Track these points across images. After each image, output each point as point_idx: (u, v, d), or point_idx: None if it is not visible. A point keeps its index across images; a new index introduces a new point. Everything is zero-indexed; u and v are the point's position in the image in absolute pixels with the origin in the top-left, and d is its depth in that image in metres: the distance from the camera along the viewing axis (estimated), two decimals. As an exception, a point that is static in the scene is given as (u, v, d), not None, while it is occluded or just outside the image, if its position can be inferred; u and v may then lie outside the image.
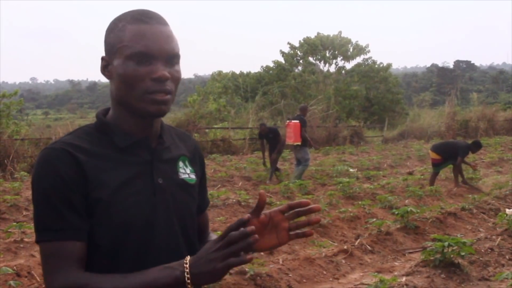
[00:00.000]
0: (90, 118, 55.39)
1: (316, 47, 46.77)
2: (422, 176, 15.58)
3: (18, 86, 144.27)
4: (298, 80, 43.15)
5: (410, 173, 17.27)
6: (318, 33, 48.74)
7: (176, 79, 1.80)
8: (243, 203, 11.52)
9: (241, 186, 14.77)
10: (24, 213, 10.66)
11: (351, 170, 17.45)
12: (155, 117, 1.81)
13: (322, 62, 47.68)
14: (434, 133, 31.95)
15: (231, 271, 6.36)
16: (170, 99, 1.79)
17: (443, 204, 11.61)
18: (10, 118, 22.47)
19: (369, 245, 8.59)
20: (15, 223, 8.97)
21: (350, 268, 7.76)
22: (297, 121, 14.93)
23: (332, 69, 47.90)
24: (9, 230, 8.65)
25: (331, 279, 7.30)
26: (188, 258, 1.67)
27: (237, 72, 48.56)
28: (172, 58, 1.79)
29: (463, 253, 6.87)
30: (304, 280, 7.08)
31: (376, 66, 46.17)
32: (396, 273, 7.15)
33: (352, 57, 47.12)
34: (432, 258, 7.01)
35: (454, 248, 6.89)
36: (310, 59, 47.60)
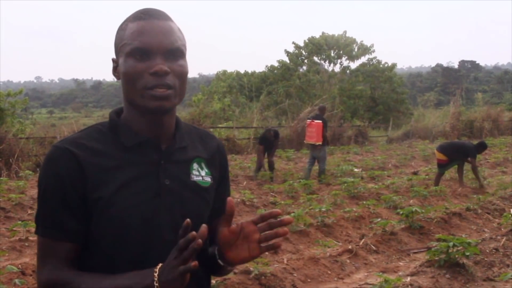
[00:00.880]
0: (95, 117, 55.56)
1: (321, 46, 46.71)
2: (426, 176, 15.56)
3: (23, 85, 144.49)
4: (302, 80, 43.11)
5: (415, 173, 17.25)
6: (323, 33, 48.67)
7: (179, 73, 1.78)
8: (247, 203, 11.52)
9: (246, 185, 14.76)
10: (29, 212, 10.67)
11: (355, 170, 17.45)
12: (157, 113, 1.78)
13: (327, 61, 47.63)
14: (439, 133, 31.91)
15: (235, 270, 6.36)
16: (171, 94, 1.75)
17: (448, 204, 11.59)
18: (15, 117, 22.56)
19: (373, 245, 8.58)
20: (20, 222, 8.98)
21: (355, 268, 7.75)
22: (320, 121, 15.24)
23: (337, 68, 47.87)
24: (14, 229, 8.67)
25: (335, 279, 7.29)
26: (159, 266, 1.67)
27: (242, 71, 48.61)
28: (172, 52, 1.77)
29: (468, 254, 6.85)
30: (309, 280, 7.08)
31: (381, 66, 46.07)
32: (400, 273, 7.14)
33: (357, 57, 47.03)
34: (436, 258, 7.00)
35: (459, 248, 6.87)
36: (315, 58, 47.52)
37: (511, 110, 38.30)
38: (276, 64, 46.56)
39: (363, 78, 45.31)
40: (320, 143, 15.27)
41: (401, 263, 8.10)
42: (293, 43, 47.48)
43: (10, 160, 17.46)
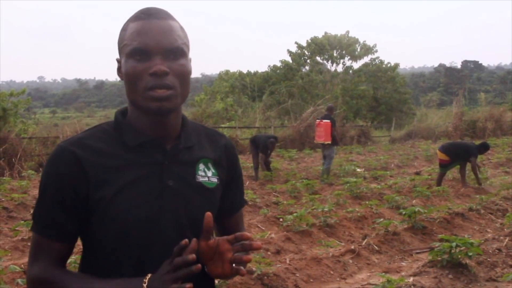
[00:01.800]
0: (98, 117, 55.54)
1: (323, 46, 46.72)
2: (429, 176, 15.54)
3: (26, 84, 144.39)
4: (305, 80, 43.12)
5: (418, 173, 17.24)
6: (325, 33, 48.71)
7: (179, 73, 1.76)
8: (250, 203, 11.51)
9: (248, 185, 14.75)
10: (31, 212, 10.65)
11: (358, 170, 17.46)
12: (157, 114, 1.77)
13: (330, 61, 47.64)
14: (442, 134, 31.87)
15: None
16: (171, 94, 1.74)
17: (450, 204, 11.58)
18: (18, 117, 22.60)
19: (376, 245, 8.57)
20: (22, 222, 9.00)
21: (357, 268, 7.74)
22: (328, 120, 15.53)
23: (340, 68, 47.88)
24: (16, 229, 8.68)
25: (338, 279, 7.29)
26: (148, 276, 1.69)
27: (245, 71, 48.53)
28: (172, 52, 1.75)
29: (470, 254, 6.85)
30: (311, 280, 7.07)
31: (384, 66, 46.09)
32: (403, 274, 7.14)
33: (360, 57, 47.07)
34: (439, 258, 7.00)
35: (462, 248, 6.87)
36: (318, 58, 47.55)
37: (514, 110, 38.15)
38: (278, 64, 46.60)
39: (366, 78, 45.32)
40: (329, 142, 15.57)
41: (403, 264, 8.09)
42: (296, 43, 47.53)
43: (13, 160, 17.49)
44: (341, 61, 47.61)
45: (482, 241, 8.20)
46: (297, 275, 7.02)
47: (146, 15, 1.78)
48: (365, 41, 48.07)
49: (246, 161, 19.51)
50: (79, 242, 1.88)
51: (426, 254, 7.96)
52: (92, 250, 1.81)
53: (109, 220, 1.75)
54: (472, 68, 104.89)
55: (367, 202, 11.21)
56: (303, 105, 35.03)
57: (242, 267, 1.76)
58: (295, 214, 9.18)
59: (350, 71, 47.31)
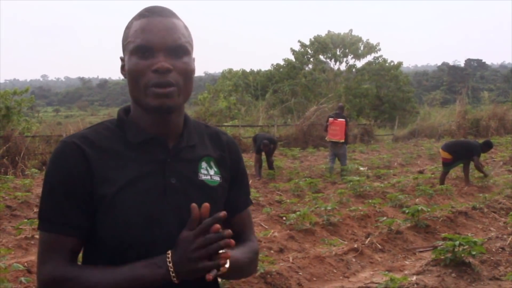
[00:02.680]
0: (101, 115, 55.62)
1: (326, 45, 46.64)
2: (432, 175, 15.53)
3: (29, 83, 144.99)
4: (308, 78, 43.03)
5: (421, 172, 17.23)
6: (328, 31, 48.62)
7: (183, 71, 1.77)
8: (253, 201, 11.49)
9: (251, 184, 14.74)
10: (35, 210, 10.68)
11: (361, 168, 17.44)
12: (159, 111, 1.77)
13: (333, 60, 47.55)
14: (445, 132, 31.83)
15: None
16: (174, 91, 1.74)
17: (453, 203, 11.57)
18: (21, 115, 22.60)
19: (379, 244, 8.57)
20: (26, 220, 9.01)
21: (360, 267, 7.74)
22: (343, 119, 15.80)
23: (343, 67, 47.79)
24: (20, 227, 8.69)
25: (341, 277, 7.28)
26: (169, 253, 1.70)
27: (248, 70, 48.49)
28: (176, 49, 1.76)
29: (474, 252, 6.85)
30: (314, 279, 7.07)
31: (387, 64, 45.97)
32: (406, 272, 7.13)
33: (363, 56, 46.97)
34: (442, 257, 7.00)
35: (465, 247, 6.87)
36: (321, 57, 47.46)
37: (517, 109, 38.06)
38: (282, 63, 46.53)
39: (369, 77, 45.22)
40: (343, 141, 15.88)
41: (407, 262, 8.08)
42: (299, 41, 47.42)
43: (16, 158, 17.53)
44: (344, 59, 47.54)
45: (486, 239, 8.19)
46: (300, 273, 7.02)
47: (150, 13, 1.78)
48: (368, 39, 48.02)
49: (249, 160, 19.51)
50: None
51: (429, 252, 7.95)
52: (94, 248, 1.80)
53: (112, 217, 1.74)
54: (475, 66, 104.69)
55: (370, 201, 11.20)
56: (306, 104, 35.00)
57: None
58: (298, 213, 9.18)
59: (353, 70, 47.22)
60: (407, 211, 9.57)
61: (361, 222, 9.99)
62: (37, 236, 8.52)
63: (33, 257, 7.29)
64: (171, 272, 1.67)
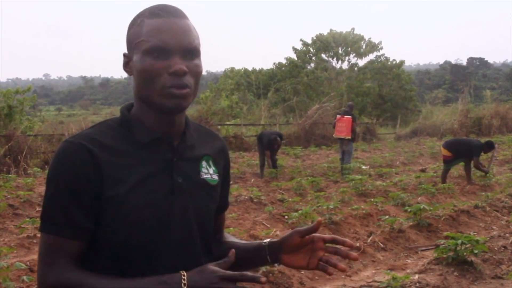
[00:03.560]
0: (103, 114, 55.60)
1: (328, 44, 46.70)
2: (434, 174, 15.51)
3: (31, 82, 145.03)
4: (310, 77, 43.04)
5: (423, 171, 17.22)
6: (330, 30, 48.72)
7: (195, 73, 1.77)
8: (255, 200, 11.52)
9: (253, 183, 14.77)
10: (37, 209, 10.69)
11: (363, 167, 17.45)
12: (174, 112, 1.77)
13: (335, 59, 47.62)
14: (447, 131, 31.83)
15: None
16: (188, 93, 1.75)
17: (456, 201, 11.56)
18: (24, 114, 22.62)
19: (381, 243, 8.57)
20: (28, 219, 9.01)
21: (363, 266, 7.74)
22: (349, 116, 15.93)
23: (345, 66, 47.89)
24: (22, 226, 8.70)
25: (343, 276, 7.28)
26: (185, 275, 1.69)
27: (250, 68, 48.54)
28: (190, 51, 1.76)
29: (476, 251, 6.85)
30: (316, 277, 7.08)
31: (389, 63, 45.99)
32: (408, 271, 7.14)
33: (365, 54, 47.03)
34: (445, 256, 6.99)
35: (467, 246, 6.87)
36: (323, 56, 47.52)
37: (519, 107, 38.02)
38: (284, 61, 46.54)
39: (371, 75, 45.26)
40: (350, 137, 15.94)
41: (409, 261, 8.08)
42: (301, 40, 47.54)
43: (19, 157, 17.54)
44: (347, 58, 47.63)
45: (488, 238, 8.19)
46: (302, 272, 7.02)
47: (165, 12, 1.77)
48: (370, 38, 48.06)
49: (251, 158, 19.52)
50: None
51: (432, 251, 7.95)
52: (100, 249, 1.77)
53: (121, 217, 1.73)
54: (477, 65, 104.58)
55: (372, 200, 11.20)
56: (308, 102, 35.05)
57: (329, 267, 1.91)
58: (300, 212, 9.18)
59: (356, 68, 47.26)
60: (409, 209, 9.57)
61: (363, 221, 9.98)
62: (39, 235, 8.51)
63: (35, 256, 7.29)
64: None
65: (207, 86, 49.39)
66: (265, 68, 49.03)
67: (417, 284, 6.28)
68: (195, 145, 1.92)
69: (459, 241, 6.81)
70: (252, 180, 15.20)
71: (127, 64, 1.84)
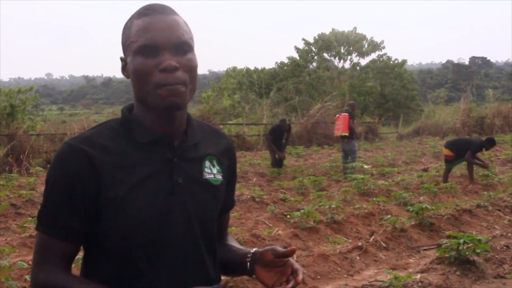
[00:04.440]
0: (105, 113, 55.70)
1: (330, 43, 46.65)
2: (437, 173, 15.49)
3: (34, 81, 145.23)
4: (312, 76, 43.07)
5: (425, 170, 17.19)
6: (332, 29, 48.66)
7: (188, 68, 1.75)
8: (257, 199, 11.52)
9: (256, 182, 14.76)
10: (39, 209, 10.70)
11: (365, 166, 17.42)
12: (170, 110, 1.75)
13: (337, 58, 47.57)
14: (449, 130, 31.77)
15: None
16: (182, 89, 1.73)
17: (458, 201, 11.55)
18: (26, 114, 22.69)
19: (383, 242, 8.56)
20: (30, 218, 9.01)
21: (365, 265, 7.73)
22: (346, 114, 15.95)
23: (347, 65, 47.83)
24: (24, 225, 8.70)
25: (345, 275, 7.28)
26: None
27: (252, 68, 48.56)
28: (180, 46, 1.74)
29: (478, 251, 6.84)
30: (319, 277, 7.07)
31: (391, 62, 45.98)
32: (410, 270, 7.13)
33: (367, 53, 46.97)
34: (447, 255, 6.98)
35: (470, 245, 6.86)
36: (325, 55, 47.51)
37: (522, 107, 37.96)
38: (286, 61, 46.55)
39: (373, 75, 45.25)
40: (347, 134, 15.80)
41: (411, 260, 8.08)
42: (303, 39, 47.47)
43: (21, 156, 17.54)
44: (349, 57, 47.57)
45: (490, 237, 8.18)
46: (304, 271, 7.02)
47: (151, 11, 1.76)
48: (372, 37, 48.00)
49: (253, 158, 19.50)
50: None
51: (434, 250, 7.94)
52: (100, 251, 1.78)
53: (121, 218, 1.73)
54: (480, 64, 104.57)
55: (374, 199, 11.19)
56: (310, 102, 35.01)
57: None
58: (302, 211, 9.17)
59: (358, 68, 47.23)
60: (411, 209, 9.56)
61: (365, 220, 9.97)
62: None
63: (37, 255, 7.30)
64: None
65: (209, 86, 49.47)
66: (267, 67, 49.13)
67: (419, 284, 6.27)
68: (199, 144, 1.91)
69: (461, 241, 6.80)
70: (254, 179, 15.19)
71: (124, 67, 1.84)
